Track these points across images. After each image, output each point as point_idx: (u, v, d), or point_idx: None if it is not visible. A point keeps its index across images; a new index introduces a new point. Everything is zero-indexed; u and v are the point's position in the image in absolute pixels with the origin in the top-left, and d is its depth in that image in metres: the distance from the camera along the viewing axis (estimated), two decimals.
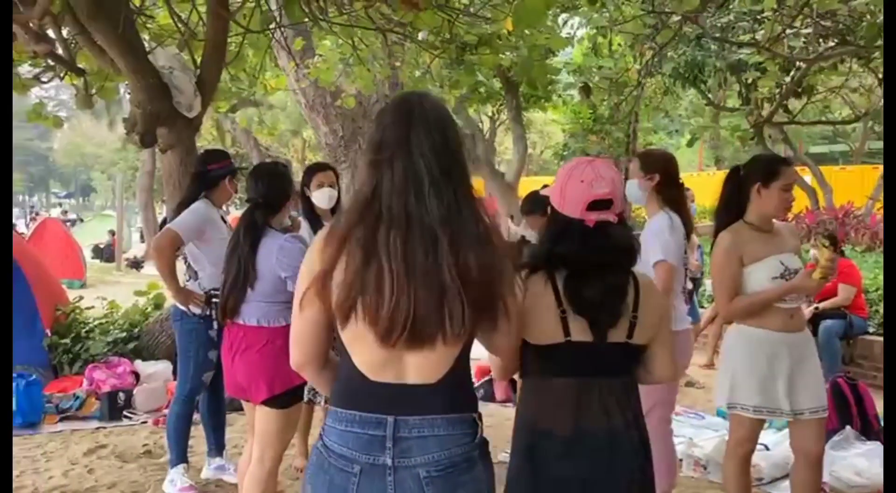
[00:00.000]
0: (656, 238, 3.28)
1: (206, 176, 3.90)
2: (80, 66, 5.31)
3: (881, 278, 7.64)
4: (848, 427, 4.40)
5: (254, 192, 3.16)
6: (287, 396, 3.01)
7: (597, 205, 1.96)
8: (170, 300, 6.23)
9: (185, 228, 3.72)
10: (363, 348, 1.64)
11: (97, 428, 5.03)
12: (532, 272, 2.00)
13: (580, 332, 1.95)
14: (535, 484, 1.98)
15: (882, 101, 12.37)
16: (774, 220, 3.10)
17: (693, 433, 4.79)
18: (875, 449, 4.14)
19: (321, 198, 3.98)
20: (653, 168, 3.41)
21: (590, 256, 1.95)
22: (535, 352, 2.00)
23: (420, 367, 1.64)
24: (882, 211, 12.16)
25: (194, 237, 3.77)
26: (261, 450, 3.04)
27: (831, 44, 6.55)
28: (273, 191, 3.16)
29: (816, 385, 3.03)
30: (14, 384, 4.93)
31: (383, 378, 1.66)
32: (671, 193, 3.41)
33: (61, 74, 5.51)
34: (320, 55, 6.83)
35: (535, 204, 4.19)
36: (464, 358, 1.70)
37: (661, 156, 3.61)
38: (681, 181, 3.55)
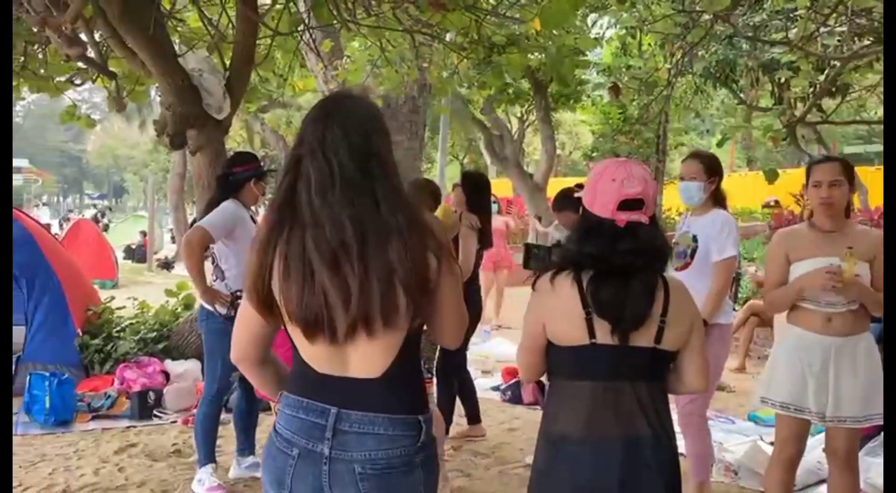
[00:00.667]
0: (730, 233, 3.49)
1: (232, 179, 3.95)
2: (111, 69, 5.38)
3: None
4: (883, 434, 4.29)
5: None
6: None
7: (627, 205, 1.93)
8: (199, 301, 6.33)
9: (214, 226, 3.77)
10: (303, 343, 1.68)
11: (128, 427, 5.09)
12: (558, 272, 1.98)
13: (605, 335, 1.91)
14: (556, 488, 1.96)
15: None
16: (859, 225, 3.10)
17: (723, 438, 4.71)
18: None
19: None
20: (715, 171, 3.60)
21: (617, 257, 1.91)
22: (561, 354, 1.98)
23: (360, 360, 1.67)
24: None
25: (223, 235, 3.81)
26: None
27: (866, 42, 6.41)
28: None
29: (867, 392, 2.93)
30: (47, 383, 5.01)
31: (329, 371, 1.69)
32: (720, 193, 3.64)
33: (94, 77, 5.59)
34: (348, 57, 6.86)
35: (566, 201, 4.22)
36: (409, 355, 1.70)
37: (716, 158, 3.74)
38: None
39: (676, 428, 3.07)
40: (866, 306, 2.94)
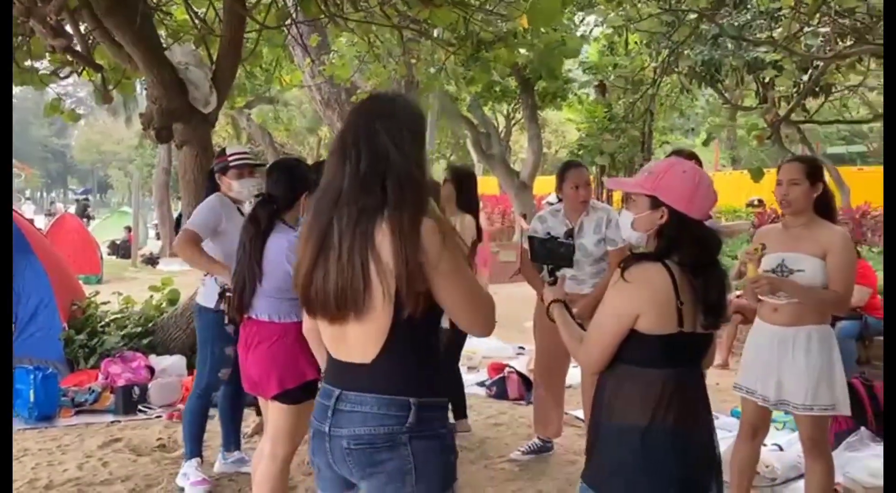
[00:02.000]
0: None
1: (212, 172, 3.99)
2: (97, 61, 5.35)
3: None
4: (863, 428, 4.35)
5: (268, 187, 3.18)
6: (298, 391, 3.00)
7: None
8: (185, 296, 6.31)
9: (199, 226, 3.75)
10: (321, 327, 1.88)
11: (112, 422, 5.06)
12: (648, 264, 2.05)
13: (690, 323, 2.02)
14: (655, 480, 1.99)
15: None
16: (827, 222, 3.16)
17: None
18: None
19: None
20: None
21: (706, 253, 2.07)
22: (644, 342, 2.03)
23: (357, 345, 1.80)
24: None
25: (209, 234, 3.79)
26: (272, 445, 3.04)
27: (849, 42, 6.49)
28: (285, 186, 3.17)
29: (809, 382, 3.07)
30: (31, 377, 4.97)
31: (337, 355, 1.86)
32: None
33: (79, 70, 5.55)
34: (336, 52, 6.85)
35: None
36: (402, 340, 1.77)
37: (687, 155, 3.69)
38: None
39: None
40: (803, 302, 3.07)
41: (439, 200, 4.00)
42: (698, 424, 2.06)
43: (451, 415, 4.49)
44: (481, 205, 5.47)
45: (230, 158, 3.93)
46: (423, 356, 1.81)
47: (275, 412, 3.05)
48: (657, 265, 2.03)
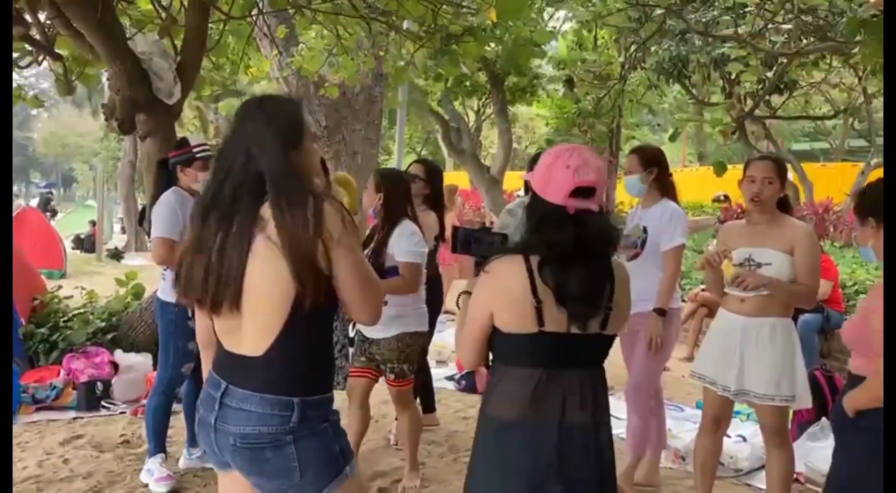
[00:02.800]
0: (678, 223, 3.67)
1: (169, 165, 3.88)
2: (58, 51, 5.24)
3: (859, 273, 7.72)
4: (823, 418, 4.44)
5: None
6: None
7: (580, 192, 1.92)
8: (150, 291, 6.21)
9: (169, 229, 3.65)
10: (214, 319, 1.90)
11: (74, 418, 4.97)
12: (507, 257, 1.96)
13: (554, 323, 1.90)
14: (497, 473, 1.96)
15: (861, 98, 12.52)
16: (791, 218, 3.26)
17: (672, 425, 4.79)
18: None
19: None
20: (651, 163, 3.76)
21: (568, 244, 1.89)
22: (507, 340, 1.96)
23: (247, 338, 1.83)
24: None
25: (180, 232, 3.67)
26: None
27: (812, 39, 6.59)
28: None
29: (772, 372, 3.12)
30: None
31: (228, 346, 1.90)
32: (666, 183, 3.79)
33: (39, 59, 5.43)
34: (304, 44, 6.78)
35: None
36: (295, 336, 1.80)
37: (654, 151, 3.92)
38: (671, 172, 3.91)
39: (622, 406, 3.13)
40: (777, 295, 3.13)
41: (411, 195, 3.93)
42: (544, 429, 1.93)
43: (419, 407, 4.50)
44: (460, 201, 5.43)
45: (195, 150, 3.86)
46: (313, 353, 1.86)
47: None
48: (515, 259, 1.93)
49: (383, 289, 3.45)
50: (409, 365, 3.66)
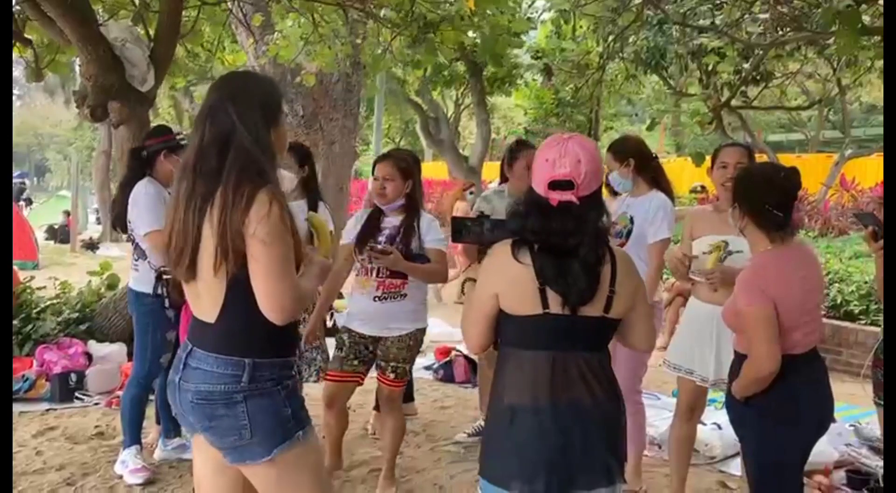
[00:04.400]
0: (665, 216, 3.56)
1: (144, 153, 3.80)
2: (27, 36, 5.14)
3: (832, 263, 7.81)
4: None
5: None
6: None
7: (557, 185, 1.94)
8: (124, 281, 6.14)
9: (155, 219, 3.54)
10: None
11: (47, 410, 4.91)
12: (513, 244, 2.00)
13: (558, 305, 1.94)
14: (508, 455, 1.98)
15: (836, 89, 12.63)
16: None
17: (648, 413, 4.82)
18: None
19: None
20: (626, 154, 3.65)
21: (551, 235, 1.94)
22: (513, 323, 2.00)
23: (203, 304, 1.96)
24: (834, 198, 12.45)
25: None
26: None
27: (788, 30, 6.63)
28: None
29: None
30: None
31: (195, 311, 2.02)
32: (651, 170, 3.69)
33: None
34: (280, 32, 6.71)
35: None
36: (237, 302, 1.90)
37: (627, 141, 3.83)
38: (655, 157, 3.81)
39: None
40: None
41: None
42: (552, 411, 1.95)
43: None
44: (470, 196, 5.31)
45: (180, 138, 3.81)
46: (261, 318, 1.89)
47: None
48: (517, 245, 1.98)
49: (421, 274, 3.39)
50: (410, 364, 3.61)
